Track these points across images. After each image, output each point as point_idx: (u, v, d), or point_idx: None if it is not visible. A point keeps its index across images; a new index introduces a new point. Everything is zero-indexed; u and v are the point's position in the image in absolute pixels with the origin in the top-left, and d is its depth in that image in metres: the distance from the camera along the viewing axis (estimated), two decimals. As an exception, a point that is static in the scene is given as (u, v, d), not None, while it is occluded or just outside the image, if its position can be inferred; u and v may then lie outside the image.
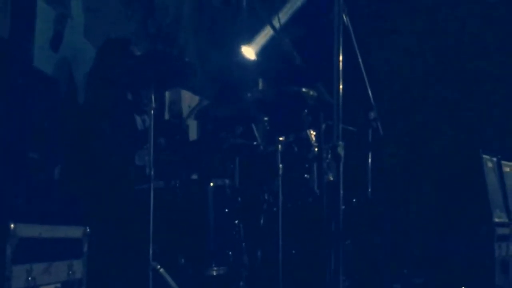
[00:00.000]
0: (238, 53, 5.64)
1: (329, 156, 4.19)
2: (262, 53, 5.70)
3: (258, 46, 5.64)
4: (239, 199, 4.09)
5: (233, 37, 6.22)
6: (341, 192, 2.88)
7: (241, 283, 3.86)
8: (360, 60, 4.01)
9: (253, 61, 5.56)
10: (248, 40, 5.72)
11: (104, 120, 3.95)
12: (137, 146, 3.97)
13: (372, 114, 4.18)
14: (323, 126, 4.17)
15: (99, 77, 4.14)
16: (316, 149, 4.39)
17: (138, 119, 4.17)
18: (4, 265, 2.49)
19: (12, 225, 2.55)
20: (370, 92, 4.15)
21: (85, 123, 3.95)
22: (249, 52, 5.59)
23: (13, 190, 3.32)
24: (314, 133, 4.45)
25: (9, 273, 2.50)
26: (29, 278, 2.62)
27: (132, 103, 4.18)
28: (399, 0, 6.63)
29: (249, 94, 4.67)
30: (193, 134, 6.13)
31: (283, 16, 5.22)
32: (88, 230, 3.11)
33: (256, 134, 4.56)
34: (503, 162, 5.45)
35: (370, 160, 4.23)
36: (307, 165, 4.46)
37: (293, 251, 4.16)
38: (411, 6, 6.60)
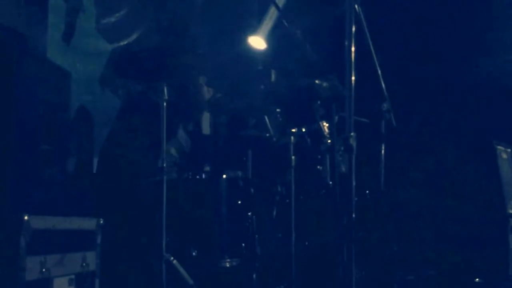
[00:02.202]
0: (246, 44, 5.61)
1: (342, 147, 4.17)
2: (274, 44, 5.68)
3: (266, 31, 5.56)
4: (252, 190, 4.09)
5: (244, 28, 6.21)
6: (353, 183, 2.86)
7: (254, 275, 3.86)
8: (373, 50, 3.98)
9: (263, 51, 5.51)
10: (254, 29, 5.67)
11: (117, 113, 3.96)
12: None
13: (385, 106, 4.16)
14: (336, 117, 4.16)
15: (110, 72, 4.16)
16: (328, 141, 4.38)
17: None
18: (18, 256, 2.51)
19: (26, 217, 2.57)
20: (383, 83, 4.13)
21: (97, 115, 3.96)
22: (258, 41, 5.55)
23: (27, 183, 3.34)
24: (327, 124, 4.43)
25: (23, 265, 2.53)
26: (43, 270, 2.65)
27: (145, 96, 4.18)
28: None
29: (262, 86, 4.67)
30: (206, 126, 6.13)
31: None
32: (102, 222, 3.12)
33: (269, 126, 4.55)
34: (517, 153, 5.41)
35: (383, 151, 4.21)
36: (319, 157, 4.46)
37: (306, 243, 4.15)
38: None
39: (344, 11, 2.94)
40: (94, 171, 3.83)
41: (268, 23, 5.54)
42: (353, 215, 2.89)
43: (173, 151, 4.19)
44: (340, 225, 3.49)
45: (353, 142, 2.89)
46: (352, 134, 2.85)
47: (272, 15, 5.42)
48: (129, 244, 3.60)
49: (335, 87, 4.23)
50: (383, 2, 6.20)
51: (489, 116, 6.19)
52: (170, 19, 5.87)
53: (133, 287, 3.55)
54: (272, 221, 4.21)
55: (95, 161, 3.98)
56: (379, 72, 4.04)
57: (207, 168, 4.54)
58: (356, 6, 3.12)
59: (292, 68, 5.52)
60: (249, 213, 3.97)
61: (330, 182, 4.33)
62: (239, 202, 3.98)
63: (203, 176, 4.00)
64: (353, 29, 2.96)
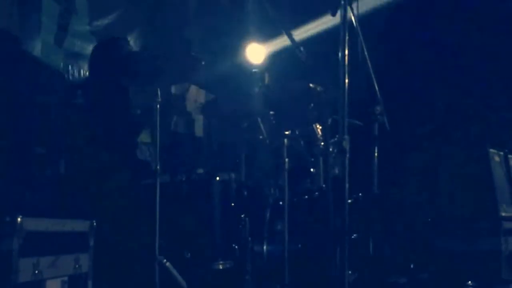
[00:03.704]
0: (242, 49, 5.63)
1: (335, 150, 4.18)
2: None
3: (270, 50, 5.60)
4: (245, 193, 4.10)
5: (238, 31, 6.22)
6: (347, 186, 2.88)
7: (247, 277, 3.86)
8: (366, 54, 4.00)
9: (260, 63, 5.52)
10: (259, 38, 5.68)
11: (105, 116, 3.96)
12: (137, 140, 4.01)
13: (379, 109, 4.17)
14: (329, 120, 4.17)
15: (94, 73, 4.15)
16: (322, 144, 4.39)
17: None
18: (11, 258, 2.50)
19: (19, 219, 2.56)
20: (376, 87, 4.15)
21: (88, 118, 3.95)
22: (257, 49, 5.57)
23: (20, 184, 3.34)
24: (320, 127, 4.44)
25: (16, 266, 2.52)
26: (36, 272, 2.64)
27: (129, 97, 4.17)
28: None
29: (256, 89, 4.67)
30: (199, 129, 6.13)
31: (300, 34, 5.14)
32: (95, 224, 3.12)
33: (262, 128, 4.56)
34: (510, 156, 5.43)
35: (376, 154, 4.23)
36: (313, 159, 4.46)
37: (299, 245, 4.16)
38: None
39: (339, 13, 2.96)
40: (88, 174, 3.82)
41: (275, 46, 5.57)
42: (346, 218, 2.90)
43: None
44: (334, 228, 3.49)
45: (346, 145, 2.90)
46: (345, 137, 2.86)
47: (283, 41, 5.42)
48: (122, 246, 3.59)
49: (328, 90, 4.24)
50: (378, 7, 6.23)
51: (482, 119, 6.22)
52: (164, 21, 5.88)
53: (126, 290, 3.54)
54: (265, 223, 4.21)
55: (87, 162, 3.97)
56: (373, 75, 4.06)
57: (201, 171, 4.53)
58: (350, 10, 3.14)
59: (286, 71, 5.54)
60: (242, 216, 3.97)
61: (323, 185, 4.34)
62: (232, 204, 3.98)
63: (196, 178, 4.00)
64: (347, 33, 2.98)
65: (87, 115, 3.94)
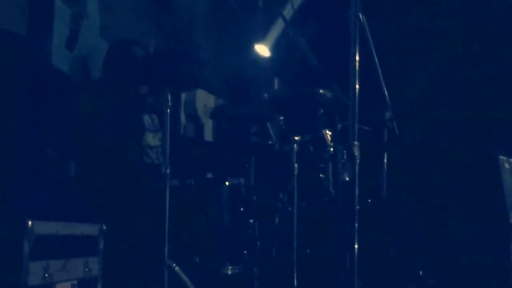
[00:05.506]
0: (252, 52, 5.63)
1: (345, 156, 4.18)
2: (278, 52, 5.70)
3: (271, 41, 5.58)
4: (254, 198, 4.10)
5: (247, 36, 6.23)
6: (356, 192, 2.87)
7: (256, 282, 3.86)
8: (376, 59, 4.00)
9: (268, 59, 5.51)
10: (261, 37, 5.68)
11: (113, 118, 3.97)
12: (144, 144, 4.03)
13: (388, 114, 4.17)
14: (339, 126, 4.17)
15: (106, 77, 4.17)
16: (331, 149, 4.38)
17: (146, 117, 4.18)
18: (21, 261, 2.51)
19: (29, 222, 2.58)
20: (386, 92, 4.14)
21: (97, 121, 3.97)
22: (263, 49, 5.57)
23: (31, 188, 3.35)
24: (330, 133, 4.44)
25: (26, 270, 2.53)
26: (46, 275, 2.65)
27: (140, 102, 4.18)
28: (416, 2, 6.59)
29: (265, 94, 4.68)
30: (208, 133, 6.14)
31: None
32: (104, 227, 3.13)
33: (272, 133, 4.56)
34: (520, 163, 5.41)
35: (385, 160, 4.22)
36: (322, 165, 4.46)
37: (308, 251, 4.15)
38: (428, 8, 6.57)
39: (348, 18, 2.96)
40: (97, 177, 3.83)
41: (274, 34, 5.56)
42: (355, 223, 2.89)
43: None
44: (342, 233, 3.49)
45: (356, 151, 2.90)
46: (355, 143, 2.85)
47: (278, 26, 5.43)
48: (132, 250, 3.60)
49: (338, 96, 4.24)
50: (388, 11, 6.23)
51: (492, 126, 6.20)
52: (173, 26, 5.89)
53: (134, 293, 3.55)
54: (274, 228, 4.21)
55: (97, 166, 3.99)
56: (382, 81, 4.06)
57: (210, 175, 4.54)
58: (360, 14, 3.13)
59: (295, 76, 5.54)
60: (251, 220, 3.97)
61: (333, 190, 4.33)
62: (242, 209, 3.98)
63: (206, 183, 4.00)
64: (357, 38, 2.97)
65: (98, 116, 3.95)
